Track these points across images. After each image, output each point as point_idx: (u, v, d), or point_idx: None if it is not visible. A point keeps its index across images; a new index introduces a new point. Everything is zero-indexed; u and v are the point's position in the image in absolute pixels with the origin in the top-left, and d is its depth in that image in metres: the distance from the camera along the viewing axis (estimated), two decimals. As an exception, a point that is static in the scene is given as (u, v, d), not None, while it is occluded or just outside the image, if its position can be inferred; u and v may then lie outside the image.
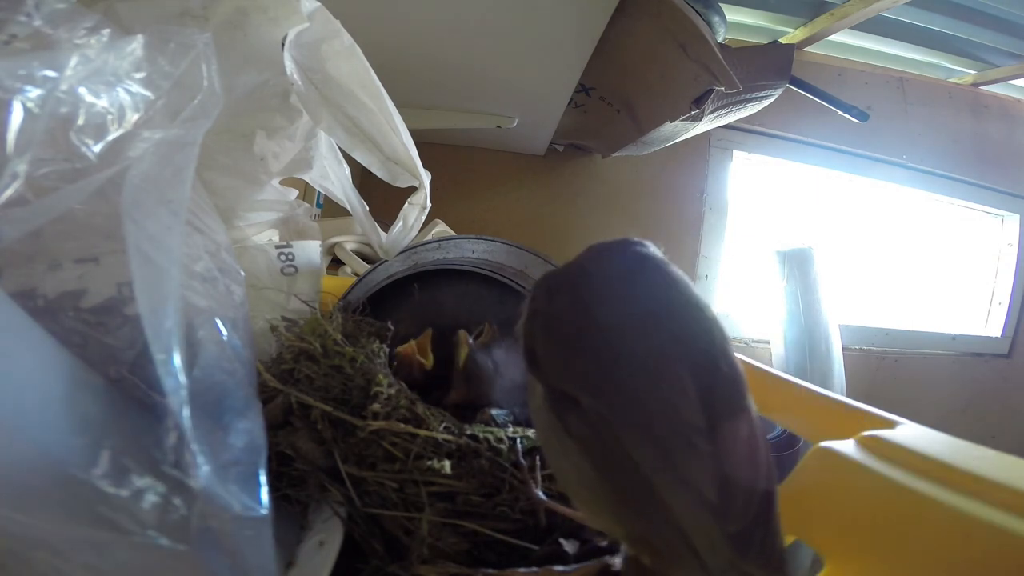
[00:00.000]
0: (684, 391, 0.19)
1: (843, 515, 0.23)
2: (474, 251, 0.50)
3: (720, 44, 0.90)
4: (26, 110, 0.21)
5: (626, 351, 0.20)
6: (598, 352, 0.20)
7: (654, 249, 0.23)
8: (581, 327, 0.21)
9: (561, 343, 0.21)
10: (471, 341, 0.38)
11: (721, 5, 0.98)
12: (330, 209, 1.02)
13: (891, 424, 0.25)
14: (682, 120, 0.98)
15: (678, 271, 0.22)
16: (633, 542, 0.20)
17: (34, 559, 0.18)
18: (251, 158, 0.45)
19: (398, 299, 0.46)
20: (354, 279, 0.47)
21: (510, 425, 0.33)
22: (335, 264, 0.82)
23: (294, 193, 0.52)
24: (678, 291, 0.22)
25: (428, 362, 0.37)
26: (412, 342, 0.38)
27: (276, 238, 0.52)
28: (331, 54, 0.43)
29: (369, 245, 0.74)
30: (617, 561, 0.26)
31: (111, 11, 0.34)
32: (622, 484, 0.19)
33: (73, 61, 0.23)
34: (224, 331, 0.26)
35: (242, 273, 0.31)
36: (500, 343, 0.39)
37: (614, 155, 1.36)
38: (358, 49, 0.44)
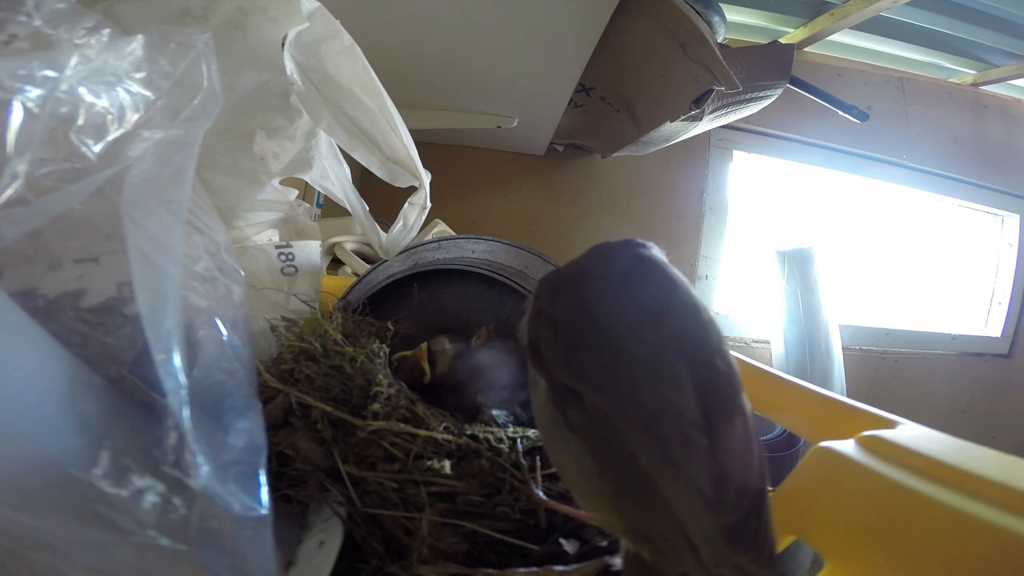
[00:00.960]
0: (682, 388, 0.20)
1: (843, 515, 0.23)
2: (474, 251, 0.50)
3: (720, 44, 0.90)
4: (26, 110, 0.21)
5: (627, 348, 0.20)
6: (600, 348, 0.21)
7: (656, 250, 0.24)
8: (584, 324, 0.22)
9: (564, 339, 0.22)
10: (451, 348, 0.38)
11: (721, 5, 0.98)
12: (330, 209, 1.02)
13: (891, 424, 0.25)
14: (682, 120, 0.98)
15: (677, 272, 0.23)
16: (632, 536, 0.21)
17: (34, 559, 0.18)
18: (251, 158, 0.45)
19: (398, 299, 0.46)
20: (354, 279, 0.47)
21: (510, 425, 0.33)
22: (335, 264, 0.82)
23: (294, 193, 0.52)
24: (677, 292, 0.22)
25: (428, 375, 0.37)
26: (419, 347, 0.38)
27: (276, 238, 0.52)
28: (331, 54, 0.43)
29: (369, 245, 0.74)
30: (617, 561, 0.26)
31: (111, 11, 0.34)
32: (621, 477, 0.20)
33: (73, 61, 0.23)
34: (224, 331, 0.26)
35: (242, 273, 0.31)
36: (491, 346, 0.39)
37: (614, 155, 1.36)
38: (358, 49, 0.44)
